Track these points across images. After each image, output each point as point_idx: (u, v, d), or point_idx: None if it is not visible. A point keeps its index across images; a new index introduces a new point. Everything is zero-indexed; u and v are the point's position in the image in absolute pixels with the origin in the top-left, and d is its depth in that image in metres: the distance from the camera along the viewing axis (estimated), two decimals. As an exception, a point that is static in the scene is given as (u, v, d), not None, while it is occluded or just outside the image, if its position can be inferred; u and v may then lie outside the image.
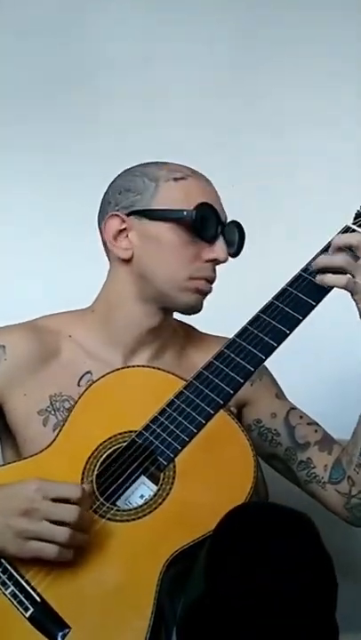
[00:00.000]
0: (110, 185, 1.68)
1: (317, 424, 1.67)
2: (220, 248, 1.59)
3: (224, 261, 1.60)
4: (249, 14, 2.45)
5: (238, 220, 1.64)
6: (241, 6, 2.45)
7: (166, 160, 1.65)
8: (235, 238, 1.63)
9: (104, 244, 1.67)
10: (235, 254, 1.63)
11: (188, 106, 2.40)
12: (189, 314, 1.65)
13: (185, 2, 2.45)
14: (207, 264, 1.60)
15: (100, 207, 1.68)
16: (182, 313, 1.65)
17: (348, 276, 1.43)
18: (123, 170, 1.67)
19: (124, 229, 1.62)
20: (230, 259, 1.62)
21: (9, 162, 2.41)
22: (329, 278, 1.43)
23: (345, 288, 1.43)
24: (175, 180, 1.60)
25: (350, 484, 1.57)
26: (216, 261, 1.60)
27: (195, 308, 1.63)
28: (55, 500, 1.36)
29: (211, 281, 1.62)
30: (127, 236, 1.61)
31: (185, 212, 1.57)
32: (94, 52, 2.45)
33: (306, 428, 1.65)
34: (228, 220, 1.63)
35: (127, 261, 1.62)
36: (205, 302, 1.63)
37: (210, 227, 1.59)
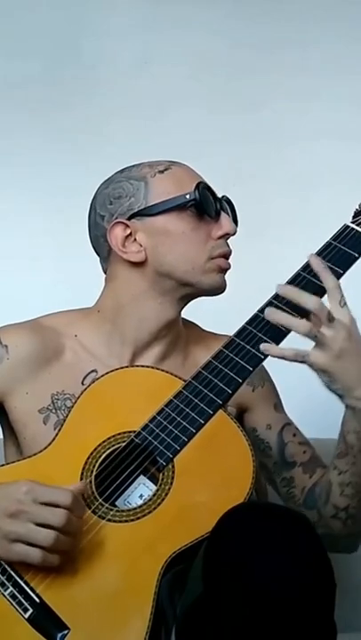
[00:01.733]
0: (93, 202, 1.67)
1: (308, 444, 1.66)
2: (226, 222, 1.61)
3: (234, 233, 1.62)
4: (250, 15, 2.45)
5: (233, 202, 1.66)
6: (242, 7, 2.44)
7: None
8: (229, 212, 1.65)
9: (106, 255, 1.65)
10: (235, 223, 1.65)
11: (188, 107, 2.41)
12: (216, 294, 1.64)
13: (185, 3, 2.45)
14: (220, 240, 1.61)
15: (91, 227, 1.67)
16: (208, 295, 1.64)
17: (296, 350, 1.39)
18: (101, 183, 1.66)
19: (130, 234, 1.60)
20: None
21: (10, 162, 2.42)
22: (273, 350, 1.40)
23: (294, 361, 1.39)
24: (161, 172, 1.61)
25: (318, 517, 1.55)
26: (227, 235, 1.61)
27: (220, 288, 1.63)
28: (45, 505, 1.35)
29: (228, 256, 1.62)
30: (135, 239, 1.60)
31: (187, 196, 1.58)
32: (94, 53, 2.45)
33: (296, 447, 1.64)
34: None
35: (140, 264, 1.60)
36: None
37: (211, 204, 1.60)
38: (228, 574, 1.27)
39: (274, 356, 1.41)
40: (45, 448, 1.48)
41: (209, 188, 1.61)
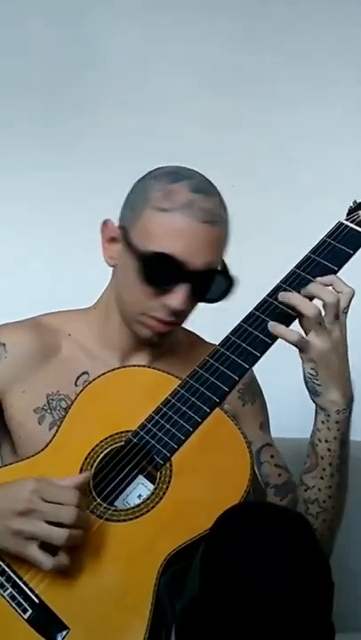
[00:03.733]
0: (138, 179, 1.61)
1: (285, 468, 1.64)
2: (176, 296, 1.52)
3: (179, 310, 1.54)
4: (249, 15, 2.45)
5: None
6: (241, 7, 2.44)
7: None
8: (214, 287, 1.55)
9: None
10: (212, 301, 1.56)
11: (187, 107, 2.42)
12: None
13: (184, 3, 2.45)
14: (163, 306, 1.54)
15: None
16: None
17: (300, 333, 1.43)
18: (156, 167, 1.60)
19: (115, 239, 1.60)
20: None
21: (11, 162, 2.42)
22: (279, 329, 1.43)
23: (294, 344, 1.43)
24: (159, 210, 1.52)
25: None
26: (168, 308, 1.54)
27: (148, 341, 1.60)
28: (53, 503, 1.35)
29: (165, 322, 1.56)
30: (116, 245, 1.59)
31: (136, 258, 1.53)
32: (93, 54, 2.45)
33: (271, 469, 1.63)
34: (223, 270, 1.57)
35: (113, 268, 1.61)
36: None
37: (162, 277, 1.52)
38: (225, 574, 1.27)
39: (278, 335, 1.43)
40: (43, 449, 1.48)
41: (171, 261, 1.50)
